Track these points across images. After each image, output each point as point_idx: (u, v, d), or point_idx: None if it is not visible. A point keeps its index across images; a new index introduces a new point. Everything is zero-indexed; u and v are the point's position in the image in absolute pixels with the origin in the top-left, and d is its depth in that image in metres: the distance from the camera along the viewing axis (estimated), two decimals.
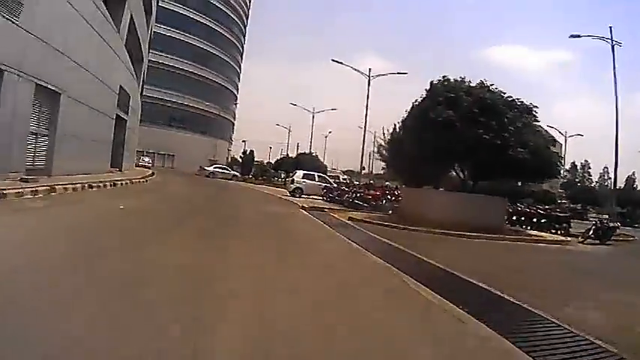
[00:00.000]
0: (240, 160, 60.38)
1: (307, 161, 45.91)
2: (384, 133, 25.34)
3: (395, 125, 21.39)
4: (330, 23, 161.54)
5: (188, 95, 79.30)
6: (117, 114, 24.32)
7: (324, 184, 27.57)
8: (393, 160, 22.18)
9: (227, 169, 50.39)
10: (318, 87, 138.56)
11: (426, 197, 18.10)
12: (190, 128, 79.99)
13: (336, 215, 16.74)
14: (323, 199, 25.29)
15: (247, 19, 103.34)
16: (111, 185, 16.94)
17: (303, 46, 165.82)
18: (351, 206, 21.27)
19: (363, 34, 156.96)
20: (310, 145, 56.19)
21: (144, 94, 68.67)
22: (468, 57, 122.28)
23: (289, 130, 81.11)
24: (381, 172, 37.05)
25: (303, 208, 19.30)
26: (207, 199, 21.00)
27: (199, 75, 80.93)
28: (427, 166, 17.89)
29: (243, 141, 58.29)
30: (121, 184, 18.67)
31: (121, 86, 24.06)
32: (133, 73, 28.59)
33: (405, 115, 18.24)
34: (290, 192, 28.05)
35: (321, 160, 57.06)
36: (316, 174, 29.50)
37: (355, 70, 37.21)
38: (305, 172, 29.54)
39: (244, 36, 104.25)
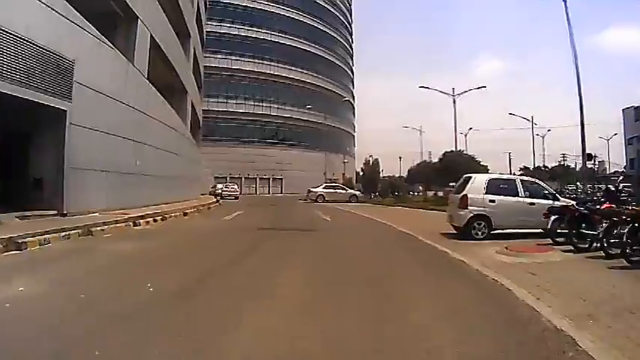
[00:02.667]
0: (361, 173, 45.05)
1: (460, 164, 29.27)
2: None
3: None
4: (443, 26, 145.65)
5: (294, 107, 67.94)
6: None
7: (560, 203, 10.96)
8: None
9: (341, 189, 35.79)
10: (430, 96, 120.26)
11: None
12: (300, 145, 68.14)
13: None
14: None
15: (351, 17, 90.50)
16: None
17: (413, 52, 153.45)
18: None
19: (477, 34, 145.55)
20: (455, 141, 38.78)
21: (233, 110, 58.68)
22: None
23: (420, 132, 64.29)
24: None
25: None
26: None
27: (304, 82, 69.12)
28: None
29: (370, 156, 42.71)
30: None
31: None
32: None
33: None
34: (459, 225, 11.76)
35: (478, 160, 39.10)
36: (522, 179, 12.76)
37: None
38: (493, 176, 13.29)
39: (351, 35, 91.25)
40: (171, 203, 20.58)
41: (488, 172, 31.01)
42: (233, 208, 23.78)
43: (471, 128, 55.29)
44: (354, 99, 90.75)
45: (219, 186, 39.63)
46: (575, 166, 60.39)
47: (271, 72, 65.66)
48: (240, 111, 62.10)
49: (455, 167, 28.50)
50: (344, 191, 35.08)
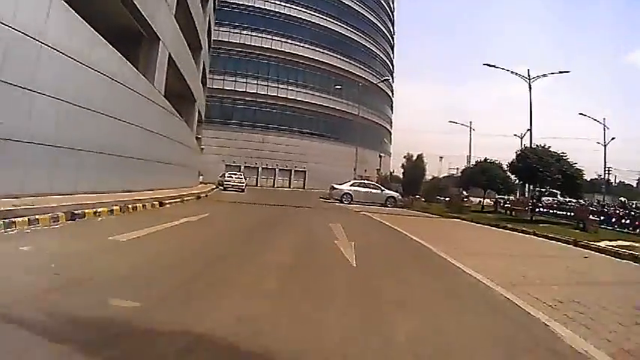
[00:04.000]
0: (402, 173, 35.95)
1: (547, 163, 20.35)
2: None
3: None
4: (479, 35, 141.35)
5: (323, 93, 59.74)
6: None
7: None
8: None
9: (375, 188, 27.26)
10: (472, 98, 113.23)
11: None
12: (329, 136, 59.94)
13: None
14: None
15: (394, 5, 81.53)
16: None
17: (451, 58, 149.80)
18: None
19: (515, 46, 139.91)
20: (530, 136, 29.52)
21: (253, 92, 51.23)
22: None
23: (470, 128, 54.96)
24: None
25: None
26: None
27: (338, 67, 60.75)
28: None
29: (410, 155, 33.63)
30: None
31: None
32: None
33: None
34: None
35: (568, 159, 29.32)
36: None
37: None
38: None
39: (393, 25, 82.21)
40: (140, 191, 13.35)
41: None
42: (206, 206, 15.89)
43: (529, 129, 45.79)
44: (392, 93, 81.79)
45: (227, 175, 32.01)
46: None
47: (301, 53, 57.58)
48: (262, 93, 54.15)
49: (534, 166, 19.68)
50: (378, 191, 26.62)
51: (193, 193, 18.73)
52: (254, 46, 54.42)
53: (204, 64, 31.24)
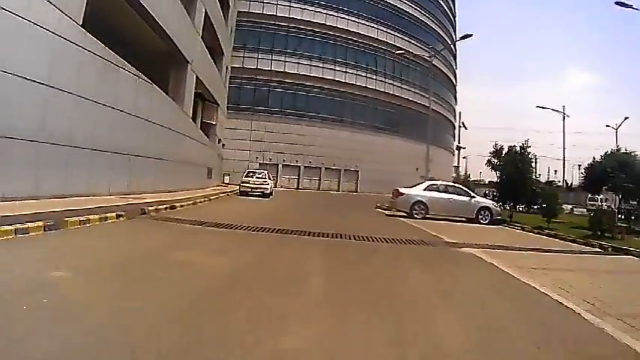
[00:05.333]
0: (495, 175, 24.56)
1: None
2: None
3: None
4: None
5: (379, 76, 50.27)
6: None
7: None
8: None
9: (461, 193, 17.42)
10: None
11: None
12: (386, 129, 50.40)
13: None
14: None
15: None
16: None
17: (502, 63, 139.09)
18: None
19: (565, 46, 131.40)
20: None
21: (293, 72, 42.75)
22: None
23: (564, 115, 43.47)
24: None
25: None
26: None
27: (396, 46, 50.90)
28: None
29: (500, 146, 23.19)
30: None
31: None
32: None
33: None
34: None
35: None
36: None
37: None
38: None
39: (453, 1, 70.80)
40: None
41: None
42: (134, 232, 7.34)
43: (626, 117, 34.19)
44: (456, 80, 70.54)
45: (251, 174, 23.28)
46: None
47: (352, 29, 48.41)
48: (303, 74, 45.16)
49: None
50: (465, 198, 16.85)
51: (165, 202, 10.59)
52: (292, 18, 45.74)
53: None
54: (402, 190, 16.86)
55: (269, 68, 43.82)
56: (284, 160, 43.76)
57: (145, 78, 13.01)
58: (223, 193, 20.86)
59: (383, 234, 9.96)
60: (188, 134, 18.27)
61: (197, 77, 18.95)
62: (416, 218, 15.90)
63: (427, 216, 16.12)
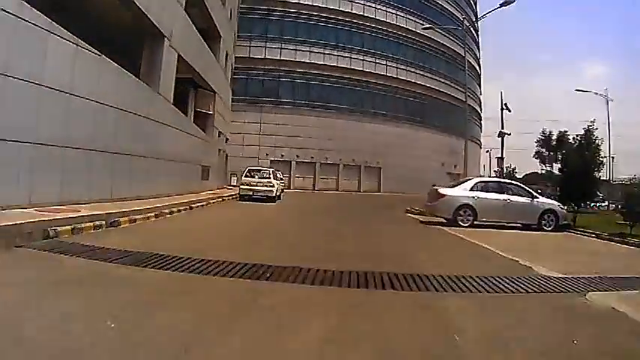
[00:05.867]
0: (541, 168, 19.99)
1: None
2: None
3: None
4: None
5: (401, 64, 46.12)
6: None
7: None
8: None
9: (519, 193, 13.33)
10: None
11: None
12: (410, 119, 46.29)
13: None
14: None
15: None
16: None
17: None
18: None
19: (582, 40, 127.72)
20: None
21: (306, 61, 39.29)
22: None
23: (608, 99, 38.46)
24: None
25: None
26: None
27: (414, 32, 46.60)
28: None
29: (549, 132, 19.07)
30: None
31: None
32: None
33: None
34: None
35: None
36: None
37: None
38: None
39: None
40: None
41: None
42: None
43: None
44: (480, 67, 65.61)
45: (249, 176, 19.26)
46: None
47: (367, 14, 44.35)
48: (315, 62, 41.14)
49: None
50: (525, 200, 12.72)
51: (104, 216, 6.96)
52: (302, 4, 41.79)
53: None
54: (442, 190, 12.87)
55: (278, 57, 40.04)
56: (297, 157, 39.87)
57: (89, 47, 9.40)
58: (219, 197, 17.29)
59: (437, 264, 6.13)
60: (169, 123, 14.69)
61: (181, 57, 15.42)
62: (461, 226, 12.01)
63: (477, 224, 12.24)
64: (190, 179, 17.65)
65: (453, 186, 13.17)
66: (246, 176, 18.62)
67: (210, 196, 16.85)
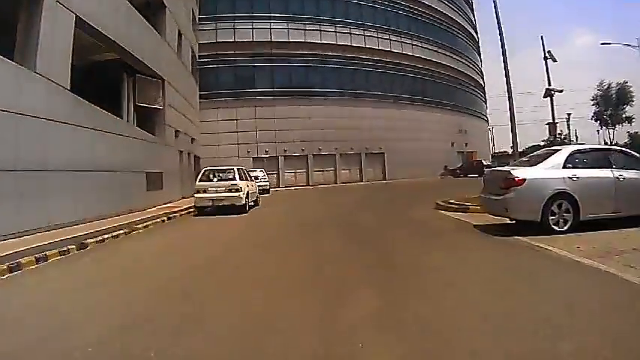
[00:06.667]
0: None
1: None
2: None
3: None
4: None
5: (394, 36, 40.73)
6: None
7: None
8: None
9: (631, 161, 7.98)
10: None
11: None
12: (412, 99, 41.01)
13: None
14: None
15: None
16: None
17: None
18: None
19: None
20: None
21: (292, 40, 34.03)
22: None
23: None
24: None
25: None
26: None
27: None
28: None
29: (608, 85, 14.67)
30: None
31: None
32: None
33: None
34: None
35: None
36: None
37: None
38: None
39: None
40: None
41: None
42: None
43: None
44: (477, 35, 60.17)
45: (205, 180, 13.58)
46: None
47: None
48: (294, 41, 35.47)
49: None
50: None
51: None
52: None
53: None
54: (518, 172, 7.32)
55: (250, 39, 34.35)
56: (285, 151, 34.38)
57: None
58: (171, 213, 12.09)
59: None
60: (65, 120, 9.42)
61: (87, 23, 10.21)
62: (555, 232, 6.82)
63: (582, 223, 7.03)
64: (126, 193, 12.41)
65: (531, 163, 7.80)
66: (201, 180, 13.25)
67: (154, 214, 11.64)
